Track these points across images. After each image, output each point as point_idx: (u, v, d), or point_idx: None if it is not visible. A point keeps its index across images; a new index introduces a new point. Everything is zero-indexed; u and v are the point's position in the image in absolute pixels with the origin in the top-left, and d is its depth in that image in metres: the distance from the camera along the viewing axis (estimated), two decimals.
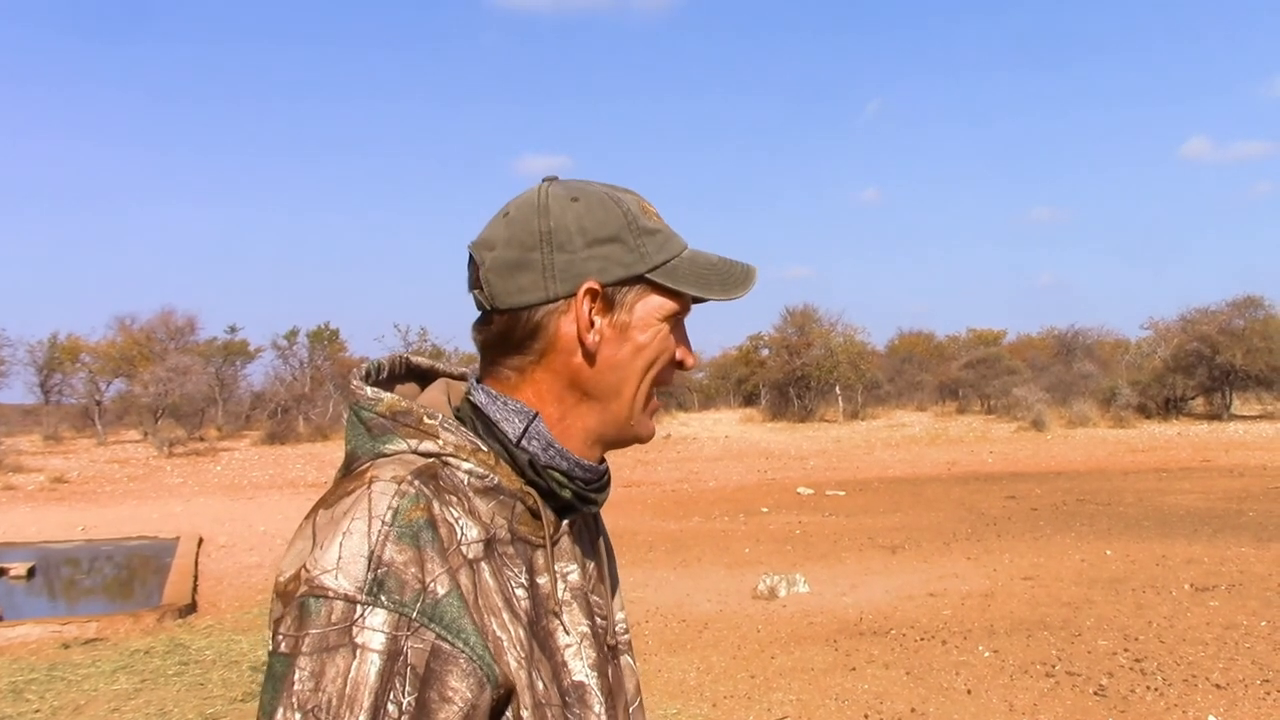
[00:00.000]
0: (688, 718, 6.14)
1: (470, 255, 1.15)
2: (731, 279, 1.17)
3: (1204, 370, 34.77)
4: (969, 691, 6.36)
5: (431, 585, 0.97)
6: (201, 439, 34.98)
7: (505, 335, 1.13)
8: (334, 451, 31.75)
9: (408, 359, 1.22)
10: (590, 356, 1.13)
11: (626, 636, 1.30)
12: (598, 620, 1.18)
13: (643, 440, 1.20)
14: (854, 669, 6.98)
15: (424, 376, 1.23)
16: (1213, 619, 7.90)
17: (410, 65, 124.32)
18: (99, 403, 38.56)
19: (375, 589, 0.95)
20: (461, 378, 1.22)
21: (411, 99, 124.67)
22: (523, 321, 1.12)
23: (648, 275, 1.13)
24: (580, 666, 1.11)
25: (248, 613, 9.56)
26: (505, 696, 1.02)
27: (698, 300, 1.18)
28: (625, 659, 1.27)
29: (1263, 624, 7.67)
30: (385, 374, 1.18)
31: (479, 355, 1.18)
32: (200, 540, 14.24)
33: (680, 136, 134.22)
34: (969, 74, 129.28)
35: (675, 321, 1.17)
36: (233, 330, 43.56)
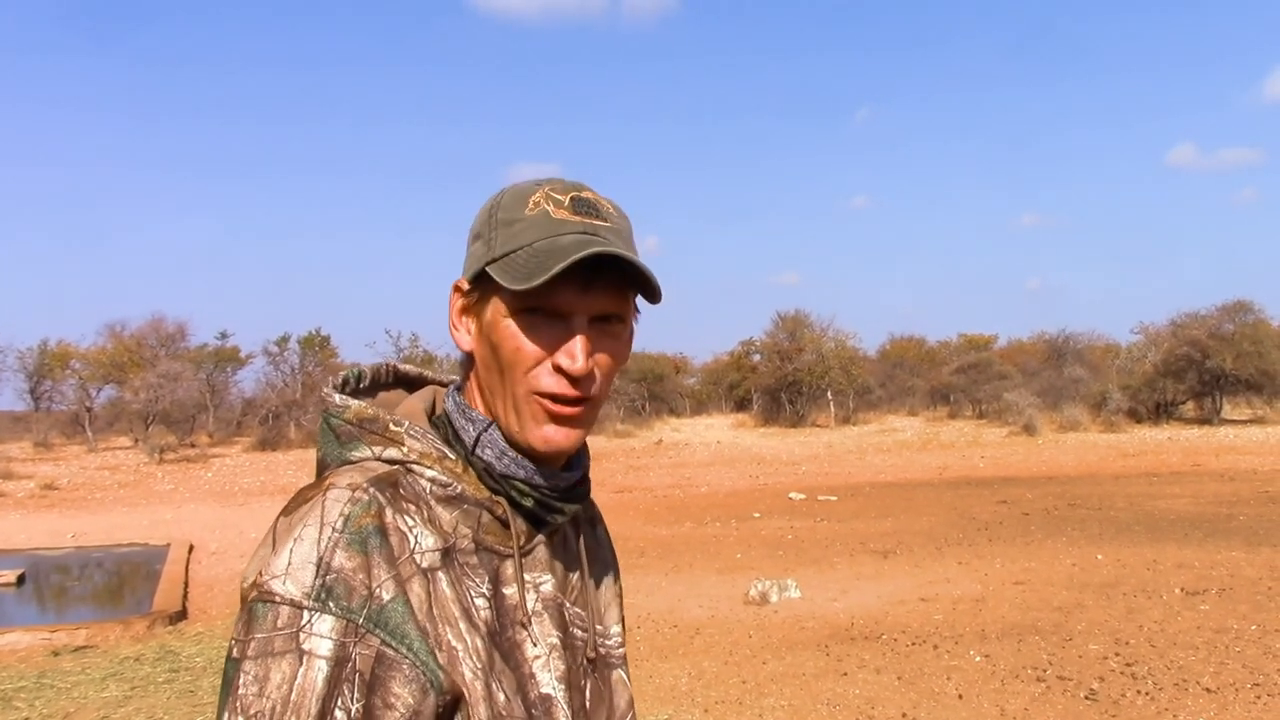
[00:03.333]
0: None
1: None
2: (541, 266, 1.02)
3: (1194, 374, 34.83)
4: (960, 696, 6.37)
5: (378, 591, 0.97)
6: (192, 445, 34.83)
7: None
8: None
9: (395, 367, 1.22)
10: (470, 357, 1.13)
11: (621, 650, 1.27)
12: (575, 632, 1.16)
13: (538, 453, 1.09)
14: (845, 674, 6.98)
15: (412, 384, 1.22)
16: (1203, 623, 7.92)
17: (400, 73, 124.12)
18: (89, 409, 38.37)
19: (323, 595, 0.95)
20: (448, 385, 1.20)
21: (402, 106, 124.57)
22: None
23: (488, 268, 1.07)
24: (548, 679, 1.09)
25: None
26: (453, 704, 1.00)
27: (534, 292, 1.03)
28: (617, 673, 1.24)
29: (1253, 628, 7.69)
30: (367, 382, 1.18)
31: None
32: (191, 547, 14.19)
33: (671, 144, 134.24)
34: (957, 82, 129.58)
35: (542, 317, 1.06)
36: (224, 336, 43.35)
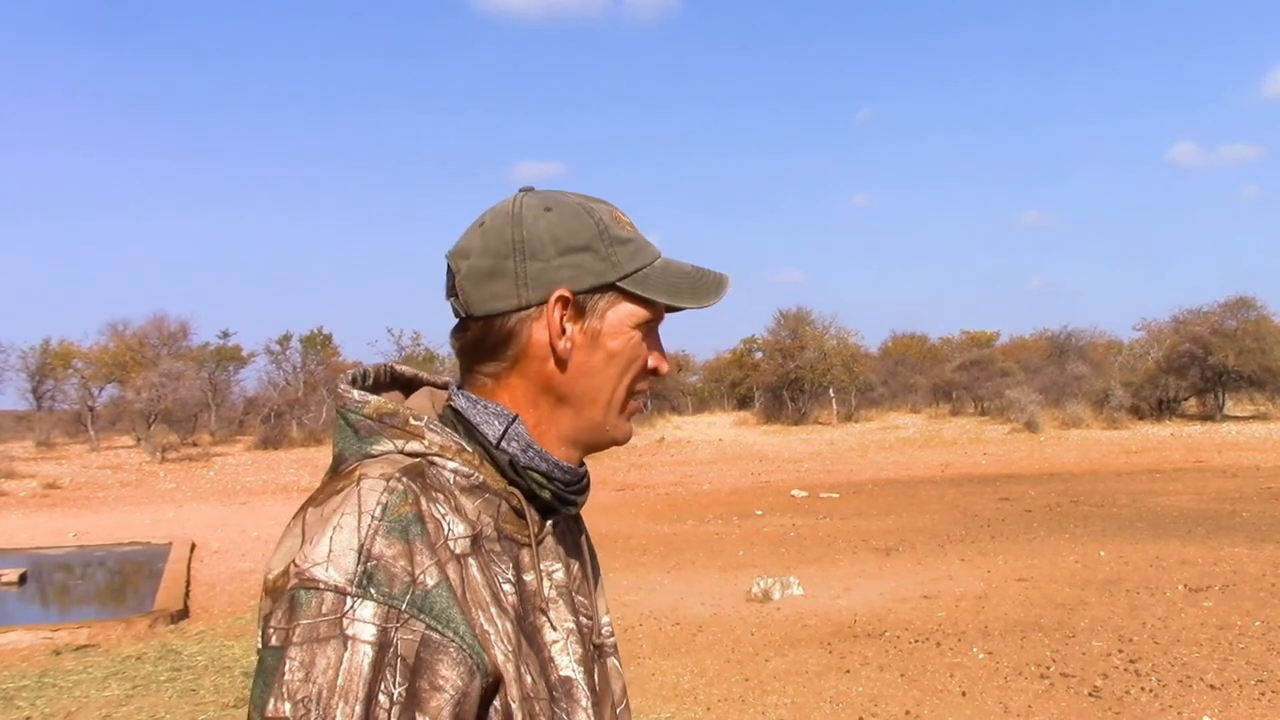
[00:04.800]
0: None
1: (447, 263, 1.19)
2: (703, 287, 1.20)
3: (1197, 371, 34.77)
4: (963, 693, 6.35)
5: (420, 577, 0.99)
6: (194, 444, 34.87)
7: (480, 342, 1.16)
8: (327, 456, 31.32)
9: (392, 368, 1.24)
10: (562, 363, 1.16)
11: (612, 639, 1.31)
12: (582, 619, 1.21)
13: (619, 443, 1.23)
14: (848, 671, 6.96)
15: (407, 385, 1.25)
16: (1207, 619, 7.90)
17: (403, 73, 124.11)
18: (91, 408, 38.42)
19: (365, 581, 0.97)
20: (444, 386, 1.24)
21: (405, 106, 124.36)
22: (496, 328, 1.15)
23: (619, 283, 1.16)
24: (567, 662, 1.14)
25: (240, 618, 9.53)
26: (494, 686, 1.03)
27: (671, 309, 1.20)
28: (611, 660, 1.29)
29: (1257, 624, 7.67)
30: (370, 381, 1.20)
31: (458, 361, 1.21)
32: (193, 546, 14.21)
33: (673, 142, 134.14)
34: (958, 80, 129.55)
35: (648, 329, 1.20)
36: (225, 335, 43.43)
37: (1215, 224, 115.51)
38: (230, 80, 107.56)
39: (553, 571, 1.18)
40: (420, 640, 0.98)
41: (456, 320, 1.19)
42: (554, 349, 1.15)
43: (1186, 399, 36.50)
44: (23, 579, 12.50)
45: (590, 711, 1.15)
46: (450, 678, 0.98)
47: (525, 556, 1.14)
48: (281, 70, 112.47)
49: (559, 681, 1.12)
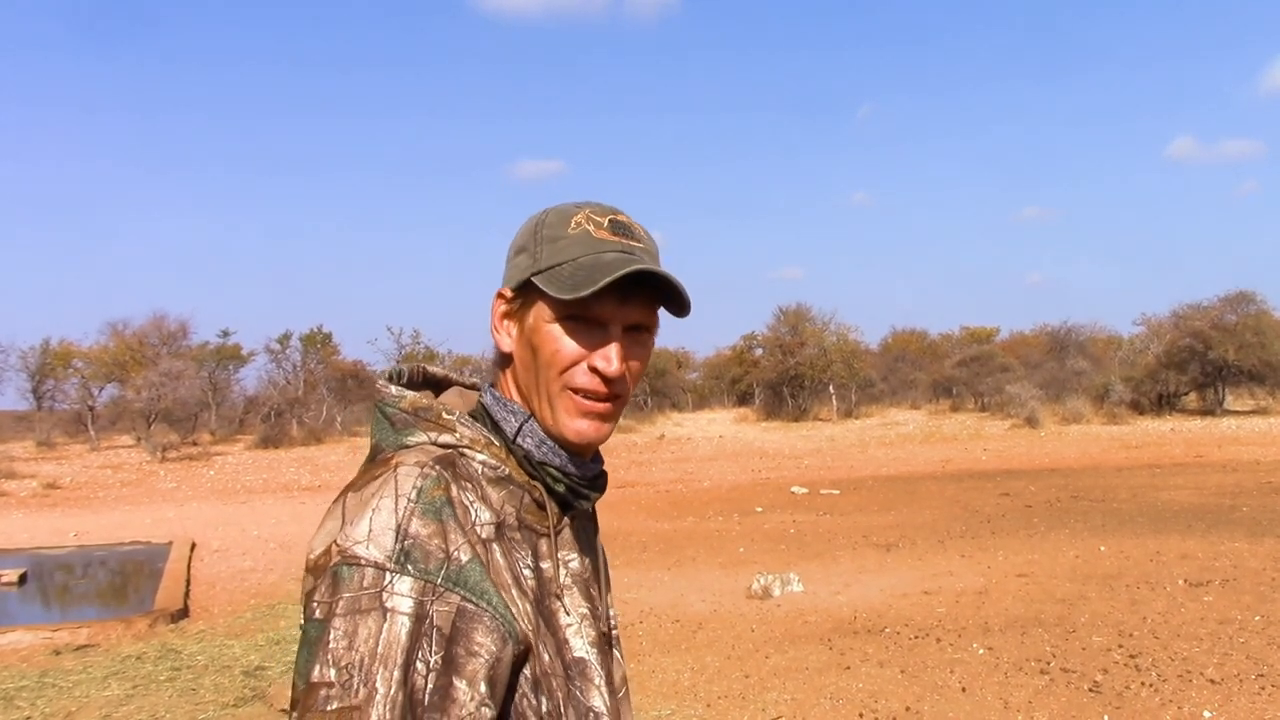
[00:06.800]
0: (681, 718, 6.12)
1: None
2: (591, 274, 1.17)
3: (1197, 366, 34.79)
4: (964, 689, 6.35)
5: (455, 554, 1.07)
6: (195, 444, 34.86)
7: None
8: (327, 455, 31.71)
9: (424, 368, 1.33)
10: (507, 358, 1.27)
11: (615, 631, 1.39)
12: (596, 607, 1.28)
13: (571, 444, 1.23)
14: (848, 668, 6.96)
15: (438, 385, 1.33)
16: (1207, 614, 7.89)
17: (403, 72, 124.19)
18: (92, 408, 38.40)
19: (402, 558, 1.05)
20: (474, 387, 1.34)
21: (404, 105, 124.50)
22: None
23: (533, 278, 1.21)
24: (581, 644, 1.21)
25: (240, 617, 9.53)
26: (524, 654, 1.12)
27: (581, 302, 1.17)
28: (614, 651, 1.37)
29: (1257, 618, 7.67)
30: (405, 380, 1.29)
31: None
32: (193, 545, 14.20)
33: (673, 141, 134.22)
34: (957, 78, 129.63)
35: (585, 325, 1.20)
36: (225, 334, 43.45)
37: (1215, 219, 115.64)
38: (229, 81, 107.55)
39: (568, 560, 1.25)
40: (456, 611, 1.05)
41: None
42: (496, 344, 1.27)
43: (1186, 394, 36.52)
44: (23, 579, 12.49)
45: (604, 690, 1.22)
46: (485, 644, 1.06)
47: (543, 545, 1.21)
48: (280, 71, 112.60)
49: (573, 662, 1.20)
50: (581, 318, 1.20)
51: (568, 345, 1.20)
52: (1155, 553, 10.63)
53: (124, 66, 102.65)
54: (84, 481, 26.08)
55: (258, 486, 24.42)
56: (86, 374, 41.02)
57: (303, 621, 1.07)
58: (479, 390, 1.32)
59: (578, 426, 1.22)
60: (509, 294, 1.24)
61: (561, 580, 1.22)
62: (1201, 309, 36.56)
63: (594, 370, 1.20)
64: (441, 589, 1.05)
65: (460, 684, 1.04)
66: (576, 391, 1.21)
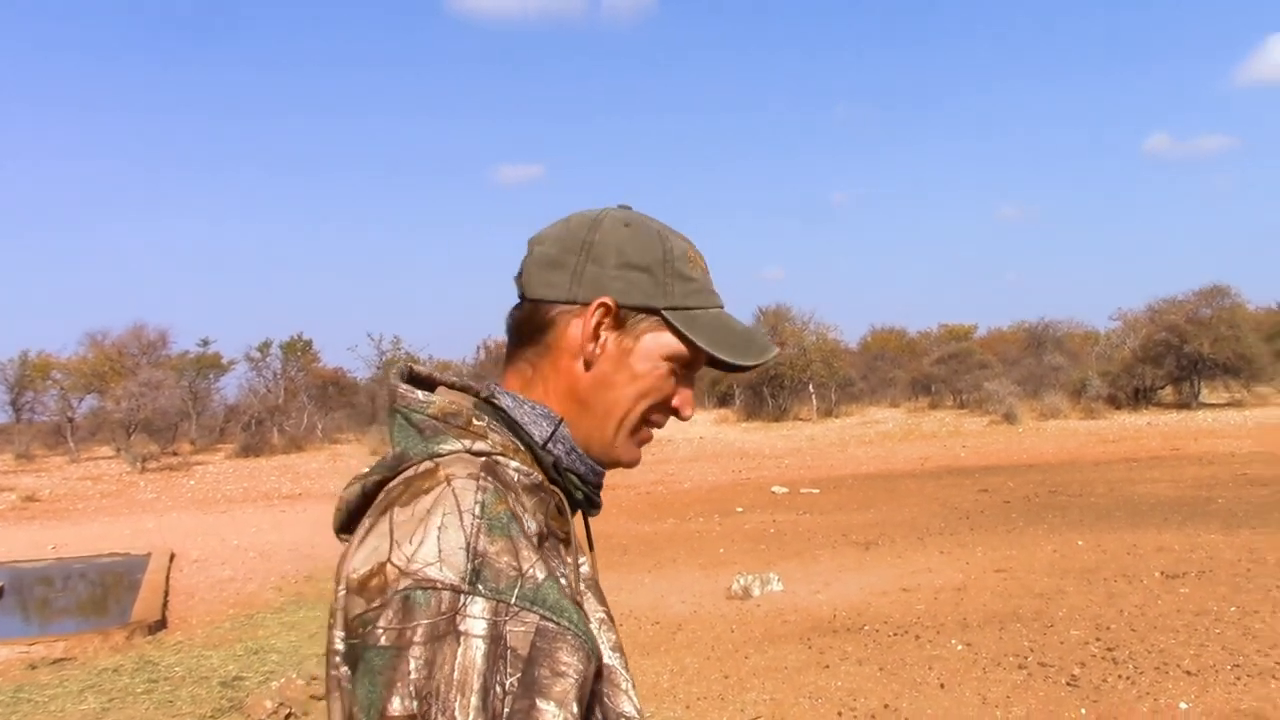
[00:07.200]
0: None
1: (528, 245, 1.26)
2: (748, 347, 1.23)
3: (1172, 360, 34.99)
4: (942, 685, 6.38)
5: (530, 571, 1.03)
6: (175, 454, 34.66)
7: (524, 323, 1.23)
8: (308, 463, 31.57)
9: (410, 367, 1.27)
10: (587, 366, 1.21)
11: None
12: (609, 609, 1.26)
13: (624, 465, 1.26)
14: (827, 666, 6.98)
15: (424, 385, 1.27)
16: (1183, 606, 7.95)
17: (380, 77, 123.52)
18: (71, 420, 38.08)
19: (474, 579, 1.00)
20: (464, 389, 1.26)
21: (383, 110, 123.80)
22: (541, 313, 1.22)
23: (664, 311, 1.20)
24: (605, 650, 1.17)
25: (219, 627, 9.48)
26: (598, 671, 1.09)
27: (715, 362, 1.22)
28: None
29: (1232, 609, 7.73)
30: (408, 379, 1.25)
31: (506, 340, 1.28)
32: (172, 556, 14.11)
33: (652, 141, 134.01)
34: (933, 77, 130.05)
35: (683, 368, 1.23)
36: (205, 343, 43.17)
37: (1190, 214, 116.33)
38: (207, 85, 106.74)
39: (581, 564, 1.22)
40: (535, 631, 1.01)
41: (517, 299, 1.25)
42: (583, 349, 1.20)
43: (1163, 388, 36.73)
44: (0, 593, 12.39)
45: (632, 695, 1.19)
46: (572, 663, 1.02)
47: (562, 551, 1.18)
48: (259, 75, 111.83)
49: (601, 669, 1.16)
50: (694, 365, 1.23)
51: (669, 386, 1.23)
52: (1132, 546, 10.70)
53: (104, 74, 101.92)
54: (63, 493, 25.87)
55: (238, 496, 24.29)
56: (65, 385, 40.65)
57: (361, 644, 1.01)
58: (468, 392, 1.25)
59: (636, 454, 1.26)
60: (613, 305, 1.20)
61: (579, 586, 1.19)
62: (1177, 303, 36.79)
63: (673, 411, 1.25)
64: (516, 608, 1.01)
65: (548, 706, 0.99)
66: (649, 424, 1.24)
